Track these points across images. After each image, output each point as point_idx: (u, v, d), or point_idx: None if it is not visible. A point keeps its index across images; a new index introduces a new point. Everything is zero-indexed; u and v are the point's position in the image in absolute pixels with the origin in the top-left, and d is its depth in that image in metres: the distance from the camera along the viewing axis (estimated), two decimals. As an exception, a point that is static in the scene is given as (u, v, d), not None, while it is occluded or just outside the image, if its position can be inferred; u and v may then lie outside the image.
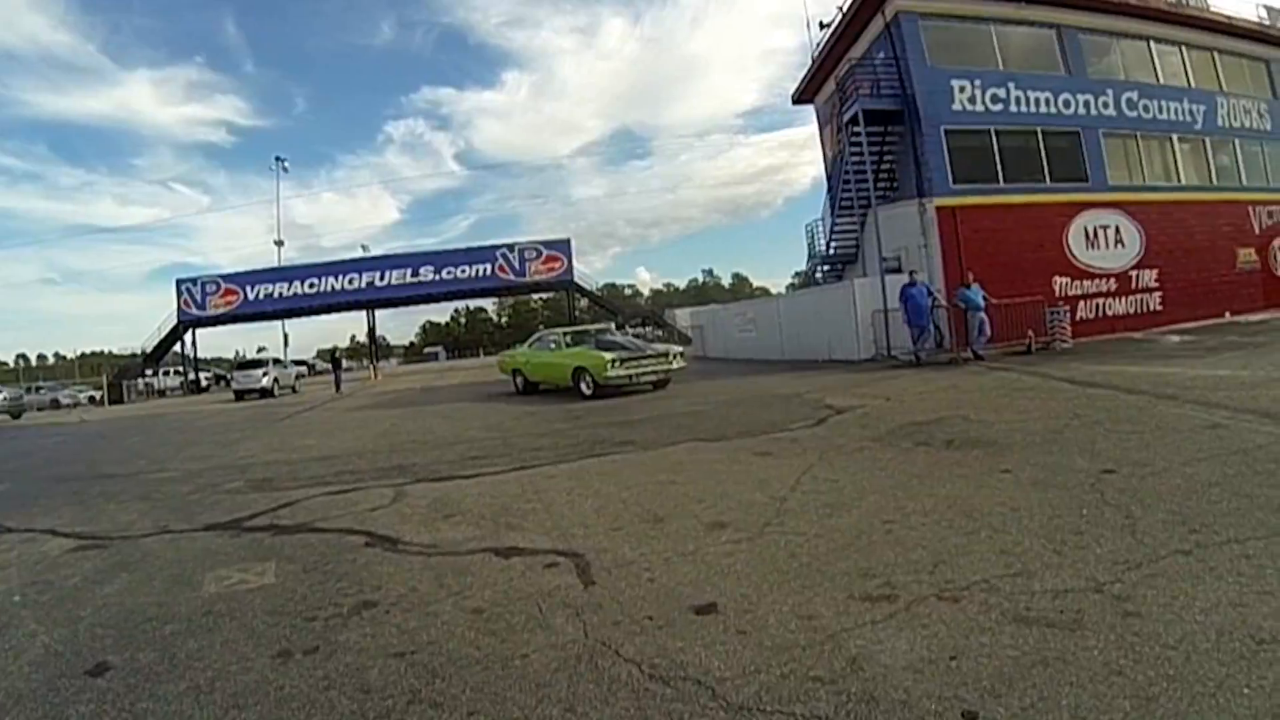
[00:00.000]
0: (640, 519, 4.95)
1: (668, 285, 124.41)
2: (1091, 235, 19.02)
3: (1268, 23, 24.86)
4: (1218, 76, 22.98)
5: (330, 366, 33.87)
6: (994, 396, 9.45)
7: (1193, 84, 22.22)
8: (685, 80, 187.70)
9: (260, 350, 58.74)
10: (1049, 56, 20.21)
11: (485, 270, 43.90)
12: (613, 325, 23.93)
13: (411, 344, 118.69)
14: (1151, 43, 21.78)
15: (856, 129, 19.41)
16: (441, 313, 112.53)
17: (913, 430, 7.48)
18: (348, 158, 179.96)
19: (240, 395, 30.10)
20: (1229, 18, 23.33)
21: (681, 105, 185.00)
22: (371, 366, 50.13)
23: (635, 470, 6.68)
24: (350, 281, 44.61)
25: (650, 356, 14.92)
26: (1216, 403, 7.26)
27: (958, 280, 16.42)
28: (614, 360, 14.11)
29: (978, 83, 18.97)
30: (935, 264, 17.72)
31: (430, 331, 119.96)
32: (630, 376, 14.30)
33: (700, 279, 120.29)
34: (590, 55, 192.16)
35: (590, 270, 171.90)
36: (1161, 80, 21.62)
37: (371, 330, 51.62)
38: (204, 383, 45.43)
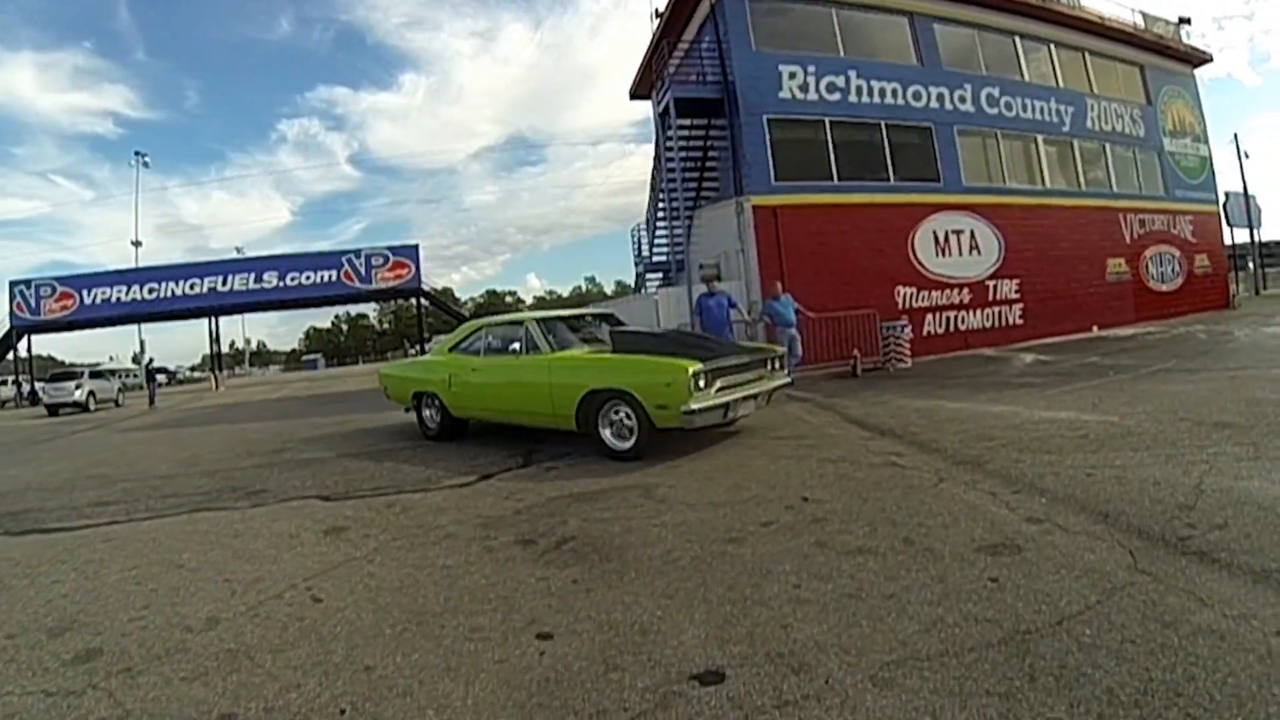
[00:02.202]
0: None
1: (550, 293, 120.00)
2: (942, 241, 17.04)
3: (1143, 27, 23.85)
4: (1088, 78, 21.72)
5: (152, 376, 29.97)
6: (718, 455, 6.79)
7: (1061, 84, 20.82)
8: (581, 87, 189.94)
9: (110, 359, 57.78)
10: (900, 45, 18.36)
11: (331, 276, 40.94)
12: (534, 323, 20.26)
13: (294, 351, 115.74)
14: (1018, 39, 20.30)
15: (677, 121, 17.10)
16: (323, 317, 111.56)
17: (544, 513, 5.01)
18: (240, 156, 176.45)
19: (53, 409, 26.49)
20: (1101, 18, 22.18)
21: (576, 112, 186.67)
22: (213, 376, 48.26)
23: None
24: (192, 287, 41.33)
25: (750, 363, 7.53)
26: (1032, 480, 4.89)
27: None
28: (704, 373, 6.58)
29: (811, 69, 16.89)
30: (753, 271, 15.35)
31: (314, 338, 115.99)
32: (727, 407, 6.71)
33: (584, 286, 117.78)
34: (489, 59, 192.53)
35: (480, 277, 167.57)
36: (1027, 78, 20.08)
37: (215, 337, 49.75)
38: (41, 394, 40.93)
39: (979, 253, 17.50)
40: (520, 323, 8.33)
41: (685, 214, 18.69)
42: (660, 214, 19.31)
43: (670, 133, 17.08)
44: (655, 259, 20.59)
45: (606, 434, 6.86)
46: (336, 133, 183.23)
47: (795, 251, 15.38)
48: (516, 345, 8.03)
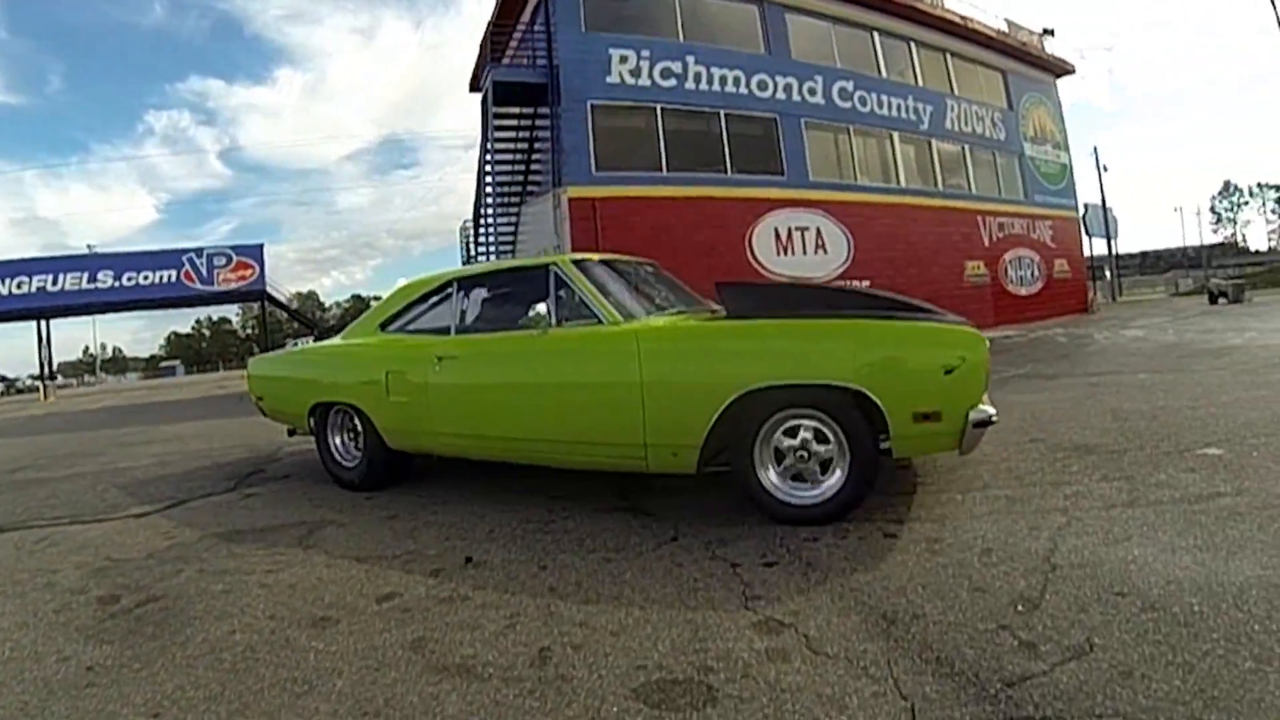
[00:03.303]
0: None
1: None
2: (785, 238, 16.02)
3: (1007, 33, 23.80)
4: (950, 79, 21.35)
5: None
6: (441, 481, 5.38)
7: (921, 83, 20.26)
8: (458, 89, 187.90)
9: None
10: (747, 33, 17.35)
11: (170, 276, 37.60)
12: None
13: (152, 357, 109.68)
14: (876, 34, 19.72)
15: (501, 109, 15.65)
16: (184, 321, 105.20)
17: (172, 558, 3.85)
18: (103, 147, 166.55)
19: None
20: (964, 20, 21.82)
21: (454, 115, 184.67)
22: (42, 385, 43.58)
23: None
24: (19, 285, 37.14)
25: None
26: (801, 551, 3.16)
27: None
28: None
29: (646, 54, 15.66)
30: (571, 272, 13.81)
31: (174, 343, 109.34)
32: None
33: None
34: (368, 58, 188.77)
35: (351, 282, 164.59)
36: (885, 75, 19.43)
37: (44, 340, 44.73)
38: None
39: (825, 251, 16.52)
40: (542, 268, 4.20)
41: (511, 210, 17.21)
42: (497, 204, 17.72)
43: (500, 120, 15.69)
44: (483, 258, 18.96)
45: (770, 476, 3.35)
46: (208, 127, 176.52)
47: (615, 248, 13.95)
48: (540, 310, 4.13)
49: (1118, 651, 1.99)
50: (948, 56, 21.48)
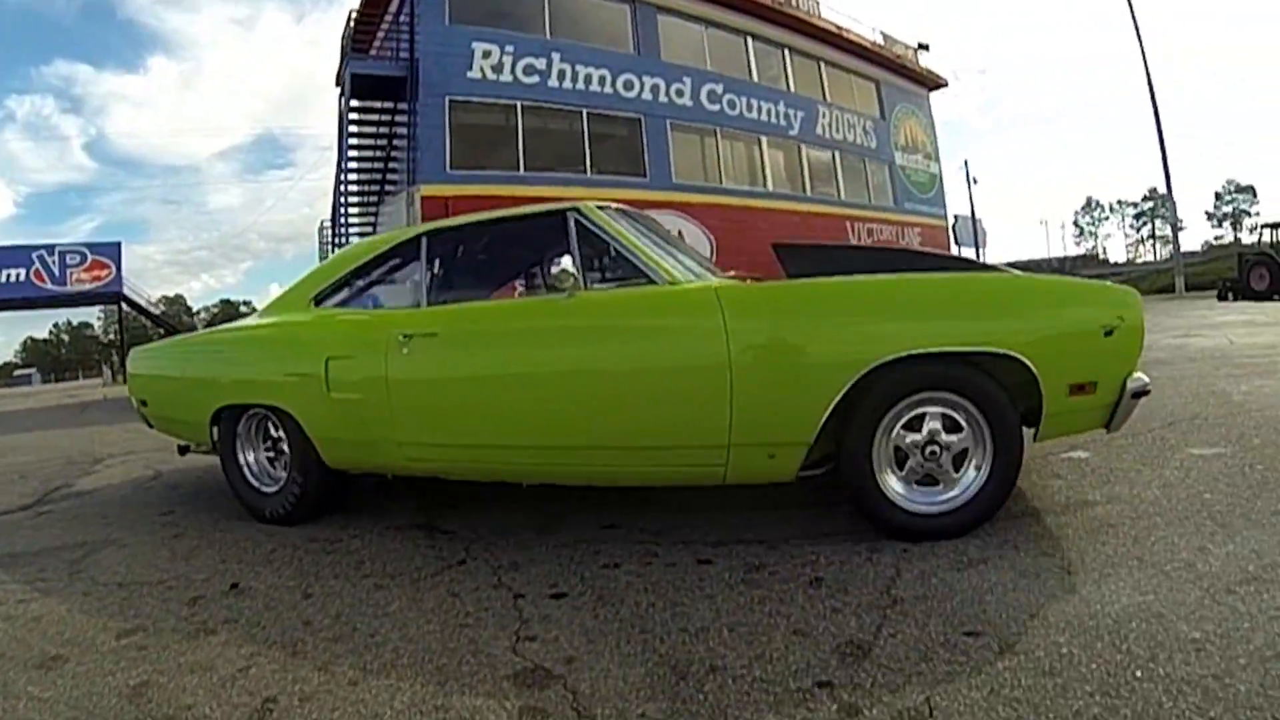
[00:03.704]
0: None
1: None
2: (646, 242, 15.84)
3: (883, 45, 24.53)
4: (823, 87, 21.86)
5: None
6: None
7: (793, 89, 20.59)
8: (335, 89, 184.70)
9: None
10: (616, 32, 17.26)
11: (19, 275, 34.65)
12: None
13: (6, 364, 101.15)
14: (750, 39, 19.96)
15: (359, 103, 15.15)
16: (41, 324, 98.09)
17: None
18: None
19: None
20: (840, 29, 22.34)
21: (331, 114, 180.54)
22: None
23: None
24: None
25: None
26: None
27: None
28: None
29: (510, 49, 15.38)
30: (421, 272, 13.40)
31: (31, 349, 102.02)
32: None
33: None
34: (246, 50, 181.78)
35: (221, 285, 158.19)
36: (756, 79, 19.66)
37: None
38: None
39: (688, 256, 16.56)
40: (555, 216, 3.18)
41: (370, 209, 16.66)
42: (356, 204, 17.13)
43: (361, 115, 15.19)
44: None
45: (891, 481, 2.65)
46: (73, 115, 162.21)
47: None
48: (566, 266, 2.80)
49: (963, 717, 1.59)
50: (822, 65, 21.98)
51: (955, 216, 29.48)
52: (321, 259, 19.26)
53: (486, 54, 15.18)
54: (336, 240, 17.07)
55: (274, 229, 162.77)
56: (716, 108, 18.27)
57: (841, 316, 2.64)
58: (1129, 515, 2.68)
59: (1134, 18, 18.66)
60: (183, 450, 4.29)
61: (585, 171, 15.71)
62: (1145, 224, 78.23)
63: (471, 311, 3.36)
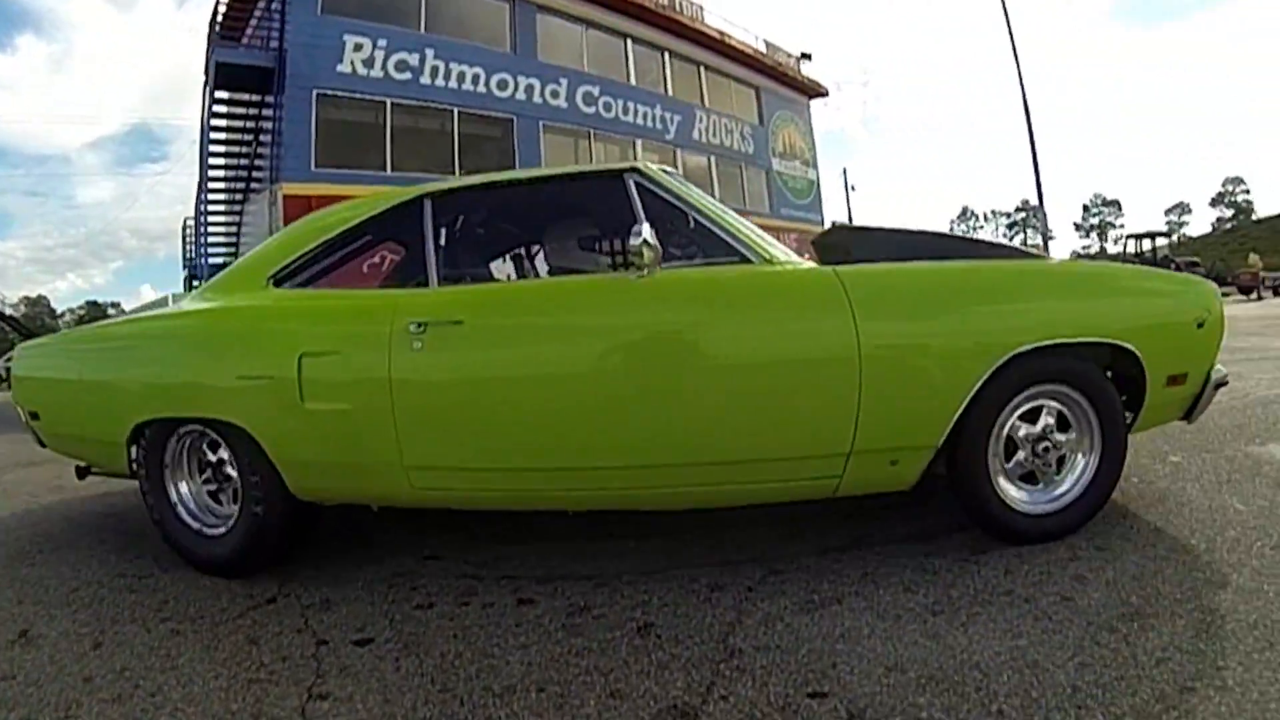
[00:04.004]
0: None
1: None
2: (516, 244, 16.15)
3: (765, 53, 25.38)
4: (701, 91, 22.59)
5: None
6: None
7: (671, 93, 21.22)
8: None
9: None
10: (494, 30, 17.46)
11: None
12: None
13: None
14: (630, 41, 20.42)
15: (225, 95, 14.91)
16: None
17: None
18: None
19: None
20: (722, 34, 23.09)
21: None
22: None
23: None
24: None
25: None
26: None
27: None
28: None
29: (382, 43, 15.38)
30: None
31: None
32: None
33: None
34: (123, 34, 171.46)
35: (89, 286, 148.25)
36: (634, 82, 20.17)
37: None
38: None
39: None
40: (610, 177, 2.65)
41: (235, 207, 16.39)
42: (216, 201, 16.70)
43: (212, 106, 14.86)
44: (213, 259, 17.54)
45: (1004, 483, 2.44)
46: None
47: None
48: (647, 237, 2.24)
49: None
50: (702, 69, 22.72)
51: (833, 223, 30.85)
52: (185, 261, 18.57)
53: (358, 47, 15.15)
54: (199, 240, 16.51)
55: (147, 226, 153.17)
56: (592, 110, 18.73)
57: (977, 302, 2.42)
58: (997, 543, 2.45)
59: (1010, 34, 20.02)
60: (82, 473, 3.31)
61: (455, 172, 15.85)
62: (1018, 233, 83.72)
63: (512, 294, 2.75)
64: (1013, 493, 2.46)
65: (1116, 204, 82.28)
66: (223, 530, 2.74)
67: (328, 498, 2.71)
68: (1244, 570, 2.10)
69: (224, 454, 2.72)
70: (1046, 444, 2.45)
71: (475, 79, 16.57)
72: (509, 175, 2.87)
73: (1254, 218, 68.49)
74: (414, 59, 15.78)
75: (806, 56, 28.62)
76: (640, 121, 19.87)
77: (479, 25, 17.29)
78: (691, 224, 2.59)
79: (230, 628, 2.33)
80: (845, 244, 2.69)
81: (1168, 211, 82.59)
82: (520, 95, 17.22)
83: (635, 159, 19.24)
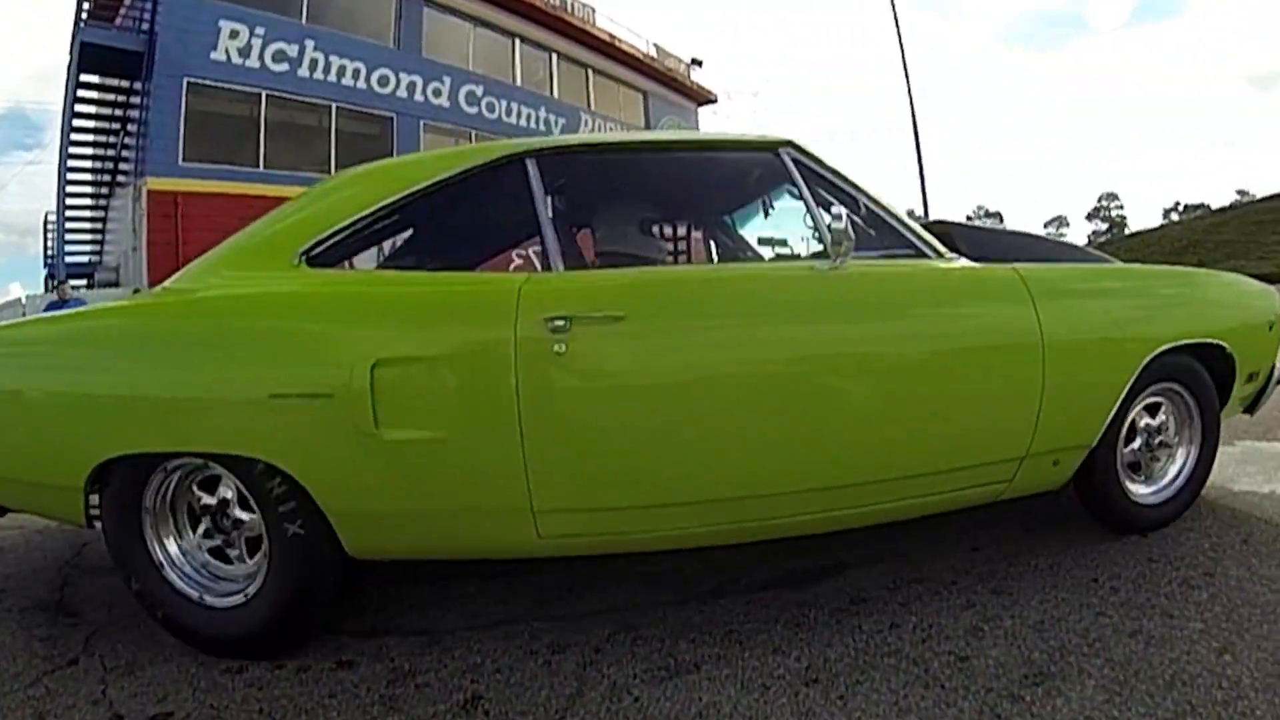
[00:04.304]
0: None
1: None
2: (390, 248, 16.44)
3: (655, 58, 26.07)
4: (588, 94, 23.16)
5: None
6: None
7: (557, 95, 21.74)
8: None
9: None
10: (379, 23, 17.63)
11: None
12: None
13: None
14: (518, 41, 20.82)
15: (92, 79, 14.62)
16: None
17: None
18: None
19: None
20: (613, 37, 23.66)
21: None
22: None
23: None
24: None
25: None
26: None
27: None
28: None
29: (260, 31, 15.39)
30: (144, 276, 13.42)
31: None
32: None
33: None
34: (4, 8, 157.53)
35: None
36: (519, 82, 20.60)
37: None
38: None
39: (434, 260, 17.40)
40: (761, 150, 2.42)
41: (101, 201, 16.06)
42: (78, 195, 16.21)
43: (75, 91, 14.42)
44: (74, 259, 16.87)
45: (1124, 479, 2.55)
46: None
47: (201, 252, 13.66)
48: (838, 222, 1.99)
49: None
50: (590, 72, 23.36)
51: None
52: (45, 259, 17.41)
53: (234, 34, 15.05)
54: (60, 238, 15.89)
55: (15, 219, 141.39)
56: (475, 110, 19.12)
57: (1131, 304, 2.50)
58: (886, 584, 2.25)
59: (902, 49, 21.33)
60: None
61: (330, 171, 15.96)
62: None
63: (684, 283, 2.25)
64: (1130, 485, 2.54)
65: (999, 215, 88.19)
66: (238, 600, 2.04)
67: (398, 555, 2.15)
68: (1153, 613, 1.95)
69: (227, 493, 2.05)
70: (1161, 437, 2.59)
71: (356, 74, 16.74)
72: (628, 138, 2.57)
73: (1126, 231, 74.48)
74: (293, 50, 15.80)
75: (697, 62, 29.47)
76: (524, 123, 20.34)
77: (363, 18, 17.40)
78: (862, 210, 2.34)
79: (20, 699, 1.94)
80: (947, 240, 2.43)
81: (1047, 224, 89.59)
82: (401, 92, 17.49)
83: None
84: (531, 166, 2.20)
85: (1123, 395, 2.32)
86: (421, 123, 17.80)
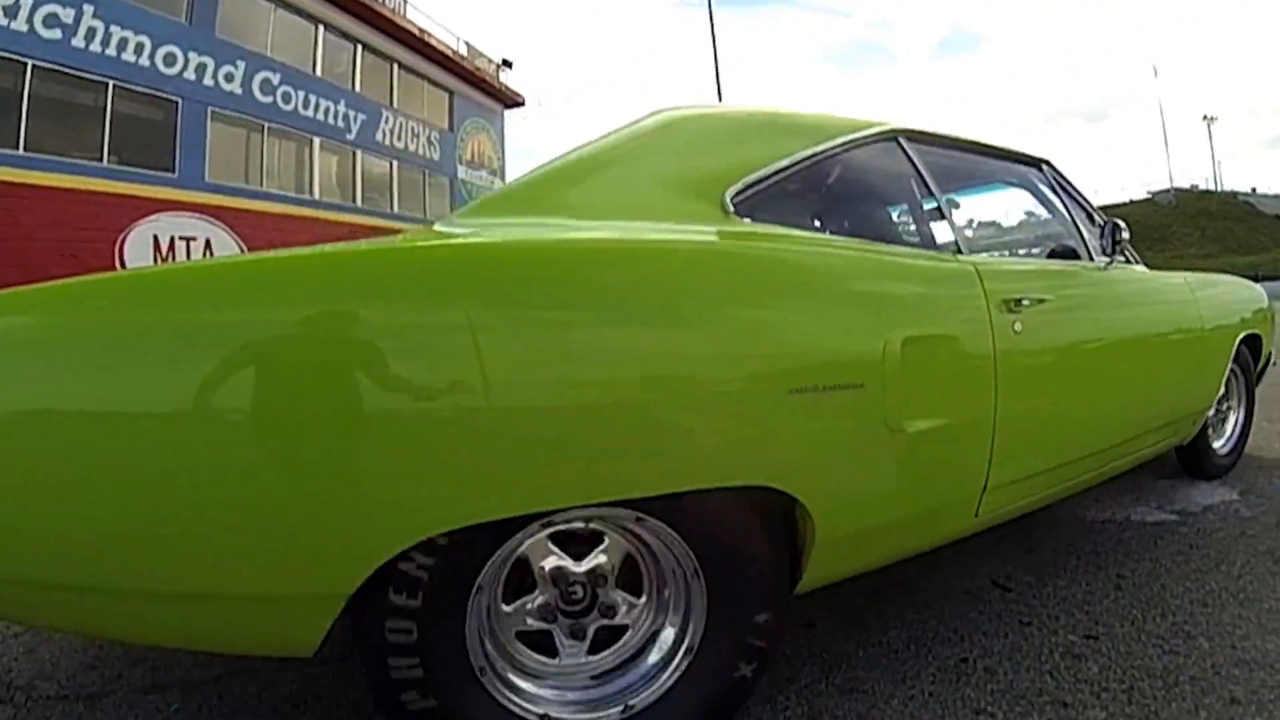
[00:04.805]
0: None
1: None
2: (166, 249, 15.56)
3: (465, 56, 25.90)
4: (392, 89, 22.68)
5: None
6: None
7: (359, 88, 21.18)
8: None
9: None
10: (170, -5, 16.26)
11: None
12: None
13: None
14: (323, 28, 20.05)
15: None
16: None
17: None
18: None
19: None
20: (422, 31, 23.30)
21: None
22: None
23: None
24: None
25: None
26: None
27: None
28: None
29: (29, -8, 13.79)
30: None
31: None
32: None
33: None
34: None
35: None
36: (320, 73, 19.84)
37: None
38: None
39: (215, 263, 16.53)
40: (1027, 165, 2.86)
41: None
42: None
43: None
44: None
45: (1215, 442, 3.67)
46: None
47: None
48: (1126, 232, 2.71)
49: None
50: (396, 67, 22.90)
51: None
52: None
53: (-2, -6, 13.55)
54: None
55: None
56: (269, 99, 18.22)
57: (1232, 299, 3.50)
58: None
59: (716, 62, 22.62)
60: None
61: (102, 159, 14.72)
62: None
63: (1074, 274, 2.57)
64: (1213, 440, 3.51)
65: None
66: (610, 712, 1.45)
67: (844, 575, 1.83)
68: (1043, 703, 1.65)
69: (602, 558, 1.49)
70: (1229, 403, 3.66)
71: (140, 49, 15.45)
72: (962, 136, 2.56)
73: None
74: (68, 15, 14.31)
75: (507, 64, 29.60)
76: (321, 117, 19.64)
77: (154, -13, 16.09)
78: (1070, 222, 2.83)
79: None
80: None
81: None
82: (190, 74, 16.38)
83: (312, 158, 19.27)
84: (908, 146, 2.24)
85: (1228, 369, 3.26)
86: (210, 110, 16.75)
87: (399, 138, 22.61)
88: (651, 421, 1.34)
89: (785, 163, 1.89)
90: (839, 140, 2.03)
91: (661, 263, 1.50)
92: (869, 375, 1.57)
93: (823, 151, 1.99)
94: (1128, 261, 2.91)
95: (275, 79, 18.37)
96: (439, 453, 1.22)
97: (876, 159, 2.22)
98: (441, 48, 24.52)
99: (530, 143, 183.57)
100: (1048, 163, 2.82)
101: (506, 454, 1.24)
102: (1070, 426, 2.26)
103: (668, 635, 1.51)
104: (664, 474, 1.36)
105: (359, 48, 21.39)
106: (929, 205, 2.30)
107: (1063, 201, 2.83)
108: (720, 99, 21.39)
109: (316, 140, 19.61)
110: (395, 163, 22.53)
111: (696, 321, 1.43)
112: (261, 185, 18.05)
